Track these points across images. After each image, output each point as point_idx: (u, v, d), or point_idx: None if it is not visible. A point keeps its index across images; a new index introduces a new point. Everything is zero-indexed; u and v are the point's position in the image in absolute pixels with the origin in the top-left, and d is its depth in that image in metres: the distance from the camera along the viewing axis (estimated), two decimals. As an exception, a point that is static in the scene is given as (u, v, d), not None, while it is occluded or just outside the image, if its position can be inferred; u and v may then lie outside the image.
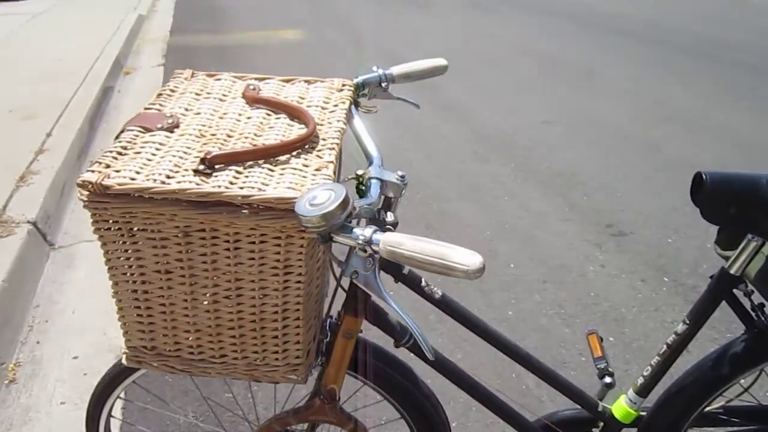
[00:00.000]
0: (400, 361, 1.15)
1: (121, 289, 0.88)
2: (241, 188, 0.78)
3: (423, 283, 1.05)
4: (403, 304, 0.73)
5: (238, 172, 0.82)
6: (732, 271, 1.03)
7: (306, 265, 0.84)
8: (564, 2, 8.08)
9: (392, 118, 4.06)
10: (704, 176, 0.93)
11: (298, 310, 0.89)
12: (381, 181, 0.91)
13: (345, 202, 0.70)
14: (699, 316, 1.09)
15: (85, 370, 1.99)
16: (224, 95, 1.01)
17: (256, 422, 1.24)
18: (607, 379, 1.24)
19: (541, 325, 2.16)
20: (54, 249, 2.83)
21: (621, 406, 1.19)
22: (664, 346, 1.13)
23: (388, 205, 0.96)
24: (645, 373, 1.17)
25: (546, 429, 1.26)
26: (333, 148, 0.88)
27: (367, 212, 0.86)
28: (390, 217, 0.93)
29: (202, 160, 0.81)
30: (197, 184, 0.78)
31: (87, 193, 0.78)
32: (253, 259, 0.83)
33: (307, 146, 0.88)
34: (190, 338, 0.92)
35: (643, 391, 1.17)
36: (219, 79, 1.06)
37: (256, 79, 1.06)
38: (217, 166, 0.82)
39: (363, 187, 0.92)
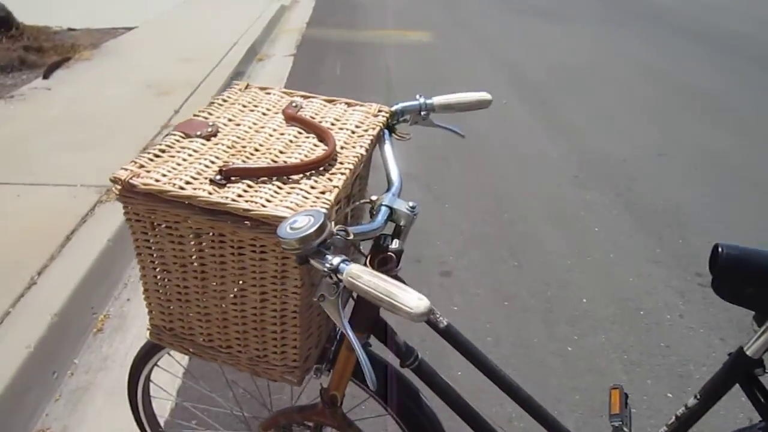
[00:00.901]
0: (406, 380, 1.18)
1: (146, 273, 0.99)
2: (246, 202, 0.85)
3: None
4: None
5: (249, 186, 0.89)
6: (749, 353, 0.97)
7: (301, 278, 0.90)
8: (702, 22, 7.55)
9: (496, 134, 4.04)
10: (720, 249, 0.88)
11: (295, 317, 0.96)
12: (390, 209, 0.95)
13: (320, 230, 0.75)
14: (710, 395, 1.03)
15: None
16: (268, 110, 1.09)
17: (271, 411, 1.32)
18: (620, 439, 1.20)
19: (598, 367, 2.09)
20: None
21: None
22: (673, 418, 1.08)
23: (398, 232, 0.99)
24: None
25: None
26: (344, 173, 0.93)
27: (365, 234, 0.90)
28: (395, 244, 0.96)
29: (220, 171, 0.89)
30: (209, 194, 0.86)
31: (118, 188, 0.89)
32: (254, 266, 0.91)
33: (322, 168, 0.94)
34: (202, 326, 1.02)
35: None
36: (269, 93, 1.15)
37: (302, 96, 1.14)
38: (232, 178, 0.89)
39: (374, 212, 0.96)
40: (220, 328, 1.01)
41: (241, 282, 0.94)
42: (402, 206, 0.96)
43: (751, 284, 0.89)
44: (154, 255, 0.96)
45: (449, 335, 1.10)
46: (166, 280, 0.99)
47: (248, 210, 0.83)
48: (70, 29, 5.48)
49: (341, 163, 0.96)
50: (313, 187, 0.90)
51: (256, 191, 0.88)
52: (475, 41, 6.49)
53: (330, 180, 0.92)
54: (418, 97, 1.16)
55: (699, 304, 2.41)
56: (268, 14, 6.92)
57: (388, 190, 1.01)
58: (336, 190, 0.89)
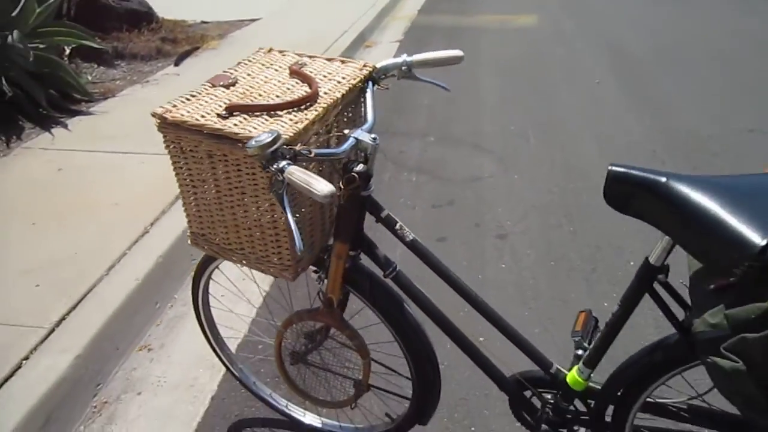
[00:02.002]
0: (391, 290, 1.44)
1: (182, 189, 1.33)
2: (235, 126, 1.16)
3: (397, 226, 1.33)
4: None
5: (245, 118, 1.19)
6: (652, 261, 1.13)
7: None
8: None
9: (582, 112, 4.09)
10: (610, 167, 1.06)
11: (281, 224, 1.25)
12: (356, 140, 1.21)
13: (273, 142, 1.03)
14: (628, 303, 1.19)
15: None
16: (280, 67, 1.39)
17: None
18: (579, 352, 1.38)
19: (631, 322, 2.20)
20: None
21: (572, 374, 1.33)
22: (604, 325, 1.25)
23: (366, 160, 1.25)
24: (590, 347, 1.30)
25: (517, 383, 1.44)
26: (317, 111, 1.21)
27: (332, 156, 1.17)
28: (360, 167, 1.22)
29: (225, 108, 1.20)
30: (213, 123, 1.17)
31: (157, 121, 1.23)
32: (249, 180, 1.21)
33: (304, 107, 1.23)
34: (222, 232, 1.34)
35: (589, 364, 1.30)
36: (285, 55, 1.44)
37: (309, 57, 1.42)
38: (234, 113, 1.20)
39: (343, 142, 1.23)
40: (233, 233, 1.32)
41: (242, 194, 1.25)
42: (366, 138, 1.22)
43: (634, 197, 1.05)
44: (185, 174, 1.29)
45: (414, 248, 1.34)
46: (194, 194, 1.32)
47: (235, 133, 1.13)
48: (203, 22, 6.16)
49: (320, 103, 1.24)
50: (291, 119, 1.19)
51: (248, 122, 1.18)
52: (582, 23, 6.42)
53: (305, 114, 1.20)
54: (402, 55, 1.40)
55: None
56: (382, 2, 7.27)
57: (361, 126, 1.26)
58: (307, 121, 1.17)
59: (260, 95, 1.28)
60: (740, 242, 0.92)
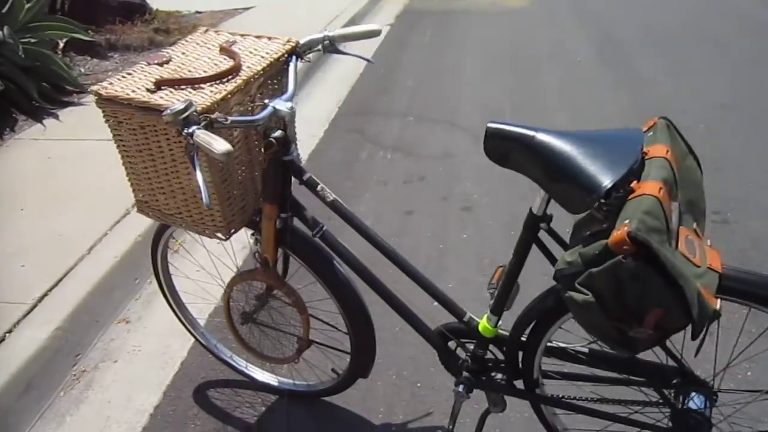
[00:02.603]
0: (321, 249, 1.55)
1: (124, 160, 1.45)
2: (160, 99, 1.27)
3: (318, 188, 1.44)
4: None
5: (171, 92, 1.31)
6: (534, 211, 1.23)
7: (206, 157, 1.31)
8: None
9: (560, 88, 4.16)
10: (490, 123, 1.16)
11: (211, 187, 1.36)
12: (274, 108, 1.32)
13: (183, 110, 1.14)
14: (519, 251, 1.29)
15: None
16: (213, 46, 1.50)
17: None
18: (492, 302, 1.48)
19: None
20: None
21: (483, 322, 1.44)
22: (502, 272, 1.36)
23: (284, 125, 1.36)
24: (495, 294, 1.40)
25: (441, 335, 1.55)
26: (237, 82, 1.32)
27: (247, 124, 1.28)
28: (278, 133, 1.34)
29: (155, 83, 1.32)
30: (141, 96, 1.29)
31: (95, 97, 1.35)
32: (178, 147, 1.33)
33: (225, 79, 1.34)
34: (162, 198, 1.46)
35: (494, 311, 1.40)
36: (219, 34, 1.55)
37: (240, 35, 1.53)
38: (162, 87, 1.32)
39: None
40: (171, 198, 1.44)
41: (173, 161, 1.36)
42: (283, 106, 1.33)
43: (511, 152, 1.15)
44: (125, 146, 1.41)
45: (334, 207, 1.45)
46: (134, 164, 1.44)
47: (159, 105, 1.25)
48: (197, 12, 6.28)
49: (240, 76, 1.35)
50: (211, 91, 1.30)
51: (173, 95, 1.30)
52: (574, 4, 6.45)
53: (226, 87, 1.31)
54: (323, 31, 1.50)
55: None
56: (376, -12, 7.32)
57: (280, 96, 1.37)
58: (224, 92, 1.29)
59: (189, 71, 1.39)
60: (590, 186, 1.02)
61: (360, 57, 1.57)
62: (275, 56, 1.42)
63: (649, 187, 1.00)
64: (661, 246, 0.96)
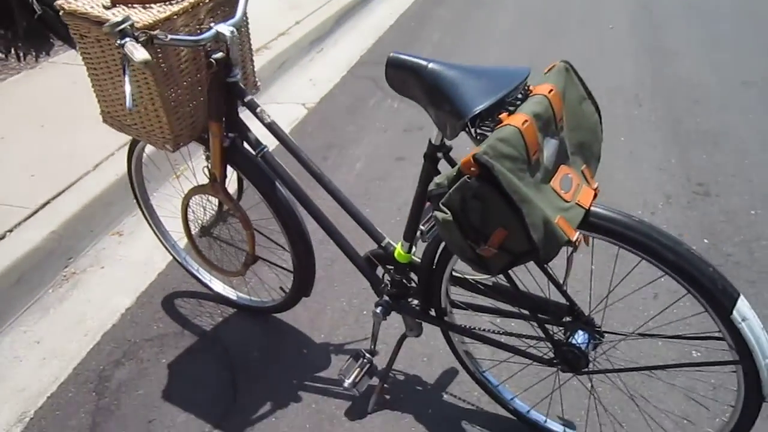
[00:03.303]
0: (264, 169, 1.67)
1: (89, 71, 1.59)
2: (112, 15, 1.40)
3: (258, 110, 1.55)
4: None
5: (123, 9, 1.43)
6: (432, 141, 1.31)
7: (152, 72, 1.43)
8: None
9: (584, 56, 4.12)
10: (389, 56, 1.24)
11: (158, 100, 1.49)
12: (216, 31, 1.43)
13: (119, 23, 1.25)
14: (422, 180, 1.38)
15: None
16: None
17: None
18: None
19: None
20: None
21: (398, 248, 1.54)
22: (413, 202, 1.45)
23: (227, 49, 1.47)
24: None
25: (368, 261, 1.67)
26: (183, 5, 1.43)
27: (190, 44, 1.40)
28: (218, 55, 1.45)
29: (111, 1, 1.45)
30: (96, 11, 1.42)
31: (62, 12, 1.48)
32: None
33: (176, 2, 1.45)
34: (120, 109, 1.60)
35: (406, 237, 1.50)
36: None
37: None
38: (117, 5, 1.44)
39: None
40: (130, 112, 1.58)
41: (127, 73, 1.49)
42: (225, 30, 1.43)
43: (407, 81, 1.23)
44: (88, 58, 1.55)
45: (272, 130, 1.56)
46: (96, 76, 1.58)
47: (103, 17, 1.37)
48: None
49: (189, 0, 1.46)
50: (158, 11, 1.42)
51: (124, 12, 1.42)
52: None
53: (173, 8, 1.43)
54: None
55: (683, 210, 2.52)
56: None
57: (226, 20, 1.48)
58: (169, 12, 1.40)
59: (147, -8, 1.51)
60: (460, 112, 1.11)
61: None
62: (225, -16, 1.52)
63: (515, 119, 1.07)
64: (511, 172, 1.03)
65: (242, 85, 1.56)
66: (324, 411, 1.74)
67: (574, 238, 1.10)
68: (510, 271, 1.23)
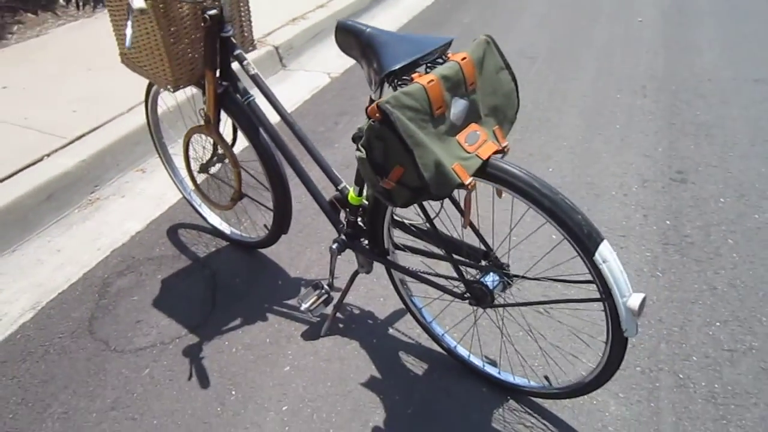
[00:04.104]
0: (251, 116, 1.92)
1: (111, 17, 1.87)
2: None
3: (245, 62, 1.81)
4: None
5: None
6: (371, 95, 1.54)
7: (157, 19, 1.71)
8: None
9: (606, 45, 4.21)
10: (338, 21, 1.47)
11: (162, 46, 1.77)
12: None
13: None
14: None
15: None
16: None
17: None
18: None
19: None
20: (284, 69, 4.08)
21: (351, 192, 1.78)
22: None
23: (221, 7, 1.72)
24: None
25: (331, 203, 1.91)
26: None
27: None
28: (212, 12, 1.71)
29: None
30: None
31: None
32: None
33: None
34: (134, 51, 1.88)
35: (356, 181, 1.73)
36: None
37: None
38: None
39: None
40: (139, 53, 1.86)
41: (137, 22, 1.77)
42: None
43: (351, 43, 1.46)
44: (110, 5, 1.84)
45: (255, 81, 1.81)
46: (117, 20, 1.86)
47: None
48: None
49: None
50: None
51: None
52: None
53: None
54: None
55: (646, 193, 2.67)
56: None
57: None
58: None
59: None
60: (379, 69, 1.34)
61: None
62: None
63: (423, 78, 1.29)
64: (411, 121, 1.25)
65: (234, 40, 1.81)
66: (284, 330, 2.01)
67: (467, 182, 1.32)
68: (436, 219, 1.45)
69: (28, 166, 2.66)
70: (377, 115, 1.25)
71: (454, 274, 1.61)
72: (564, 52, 4.14)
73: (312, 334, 1.99)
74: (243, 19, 1.94)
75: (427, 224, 1.59)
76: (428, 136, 1.29)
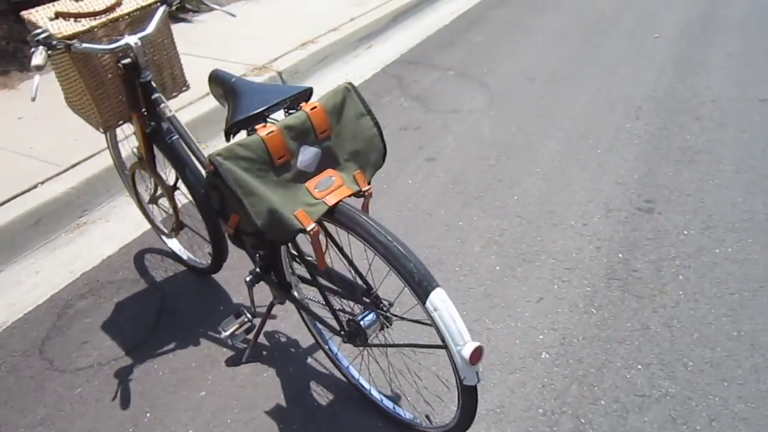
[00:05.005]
0: (177, 151, 2.05)
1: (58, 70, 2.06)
2: (50, 25, 1.83)
3: (162, 105, 1.93)
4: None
5: (62, 20, 1.86)
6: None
7: (77, 68, 1.86)
8: None
9: (612, 64, 4.12)
10: (211, 72, 1.57)
11: (86, 92, 1.92)
12: (126, 43, 1.83)
13: (37, 34, 1.68)
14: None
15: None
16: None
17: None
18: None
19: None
20: (288, 93, 4.21)
21: (258, 227, 1.86)
22: None
23: (135, 56, 1.86)
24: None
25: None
26: (102, 20, 1.84)
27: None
28: (126, 60, 1.85)
29: (54, 14, 1.89)
30: (41, 22, 1.86)
31: (26, 20, 1.95)
32: (59, 61, 1.89)
33: (101, 17, 1.87)
34: (75, 99, 2.05)
35: None
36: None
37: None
38: (59, 17, 1.88)
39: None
40: (76, 99, 2.02)
41: (67, 71, 1.93)
42: (131, 40, 1.82)
43: (221, 92, 1.55)
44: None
45: (171, 123, 1.93)
46: (59, 74, 2.04)
47: (39, 26, 1.81)
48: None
49: (108, 16, 1.86)
50: (82, 24, 1.84)
51: (62, 23, 1.85)
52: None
53: (93, 22, 1.84)
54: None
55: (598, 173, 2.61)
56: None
57: (138, 32, 1.87)
58: (88, 26, 1.81)
59: (88, 8, 1.94)
60: (228, 120, 1.42)
61: (224, 11, 2.00)
62: (147, 3, 1.92)
63: (263, 129, 1.37)
64: (247, 171, 1.33)
65: (154, 84, 1.94)
66: (211, 355, 2.12)
67: (308, 228, 1.38)
68: (327, 256, 1.52)
69: (22, 193, 2.90)
70: (210, 166, 1.33)
71: (340, 309, 1.67)
72: (567, 72, 4.08)
73: (236, 360, 2.08)
74: (166, 63, 2.06)
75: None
76: (267, 184, 1.36)
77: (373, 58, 4.66)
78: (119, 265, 2.59)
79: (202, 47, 4.44)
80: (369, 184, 1.53)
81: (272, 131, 1.37)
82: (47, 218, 2.84)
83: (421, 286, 1.35)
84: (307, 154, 1.43)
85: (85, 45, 1.75)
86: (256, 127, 1.41)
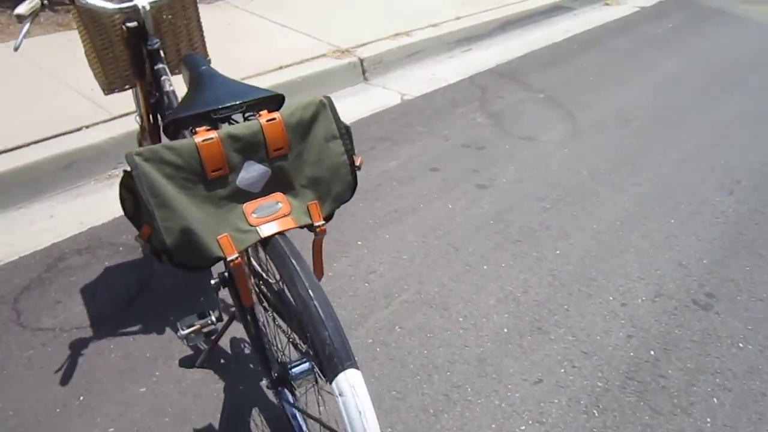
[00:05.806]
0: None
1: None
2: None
3: (163, 78, 1.79)
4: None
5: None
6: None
7: (83, 26, 1.75)
8: None
9: (636, 106, 3.64)
10: (186, 54, 1.39)
11: (92, 50, 1.82)
12: (134, 4, 1.70)
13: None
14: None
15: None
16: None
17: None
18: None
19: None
20: (365, 82, 4.04)
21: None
22: None
23: (142, 20, 1.72)
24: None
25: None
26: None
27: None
28: (132, 23, 1.71)
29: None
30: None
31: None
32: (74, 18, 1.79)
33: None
34: (89, 56, 1.95)
35: None
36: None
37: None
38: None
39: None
40: (88, 58, 1.92)
41: (80, 28, 1.83)
42: (140, 3, 1.69)
43: (187, 76, 1.37)
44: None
45: (168, 98, 1.79)
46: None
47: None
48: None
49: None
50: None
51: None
52: None
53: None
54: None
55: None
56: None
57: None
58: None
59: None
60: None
61: None
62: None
63: (201, 134, 1.17)
64: (169, 178, 1.14)
65: (162, 54, 1.80)
66: (169, 348, 1.98)
67: (230, 257, 1.18)
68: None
69: (64, 134, 2.90)
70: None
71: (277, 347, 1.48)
72: (667, 121, 3.62)
73: (190, 361, 1.94)
74: (184, 33, 1.92)
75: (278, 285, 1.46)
76: (193, 198, 1.17)
77: (465, 64, 4.38)
78: (126, 227, 2.52)
79: (291, 18, 4.34)
80: (325, 219, 1.30)
81: (211, 138, 1.17)
82: (79, 164, 2.82)
83: (330, 361, 1.11)
84: (251, 172, 1.22)
85: (89, 1, 1.62)
86: (198, 129, 1.21)
